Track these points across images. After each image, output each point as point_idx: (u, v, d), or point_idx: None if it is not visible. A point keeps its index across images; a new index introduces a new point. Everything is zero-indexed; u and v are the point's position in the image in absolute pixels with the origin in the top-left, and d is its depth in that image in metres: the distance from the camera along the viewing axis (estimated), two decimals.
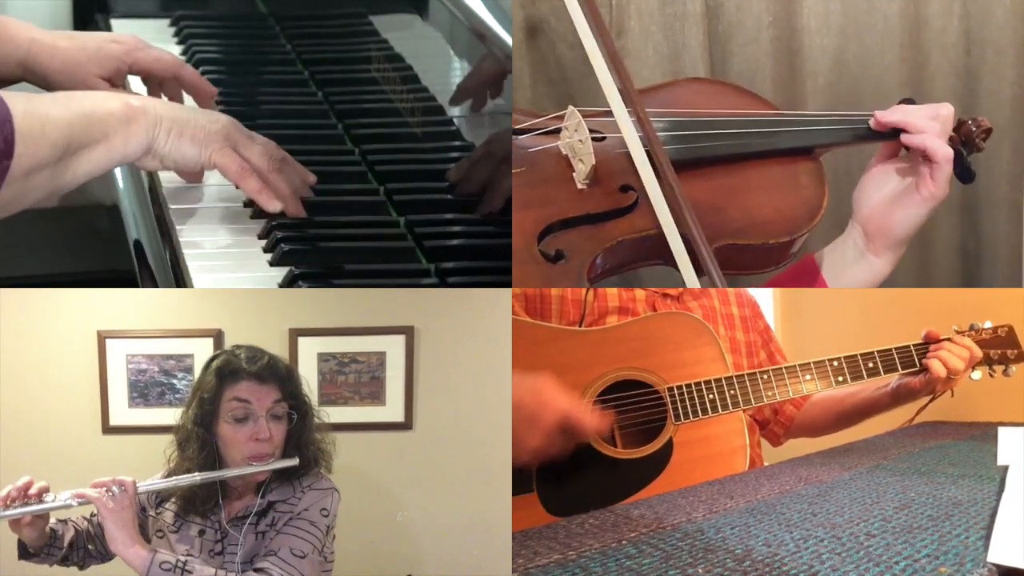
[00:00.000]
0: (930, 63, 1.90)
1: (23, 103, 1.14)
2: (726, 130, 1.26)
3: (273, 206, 1.30)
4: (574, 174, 1.21)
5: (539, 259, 1.14)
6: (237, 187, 1.30)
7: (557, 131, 1.24)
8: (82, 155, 1.19)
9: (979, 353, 1.49)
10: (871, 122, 1.28)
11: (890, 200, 1.26)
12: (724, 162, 1.25)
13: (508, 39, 1.29)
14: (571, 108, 1.21)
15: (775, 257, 1.25)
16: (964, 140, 1.30)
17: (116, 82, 1.44)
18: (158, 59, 1.46)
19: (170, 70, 1.47)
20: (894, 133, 1.28)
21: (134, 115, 1.23)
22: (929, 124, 1.23)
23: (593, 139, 1.19)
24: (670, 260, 1.18)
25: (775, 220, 1.23)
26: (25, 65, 1.39)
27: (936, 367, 1.46)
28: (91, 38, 1.45)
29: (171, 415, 1.47)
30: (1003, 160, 1.94)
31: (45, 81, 1.40)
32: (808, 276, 1.32)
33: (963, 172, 1.28)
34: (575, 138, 1.20)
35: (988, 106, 1.91)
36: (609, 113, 1.22)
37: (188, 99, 1.51)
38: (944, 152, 1.22)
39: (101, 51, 1.42)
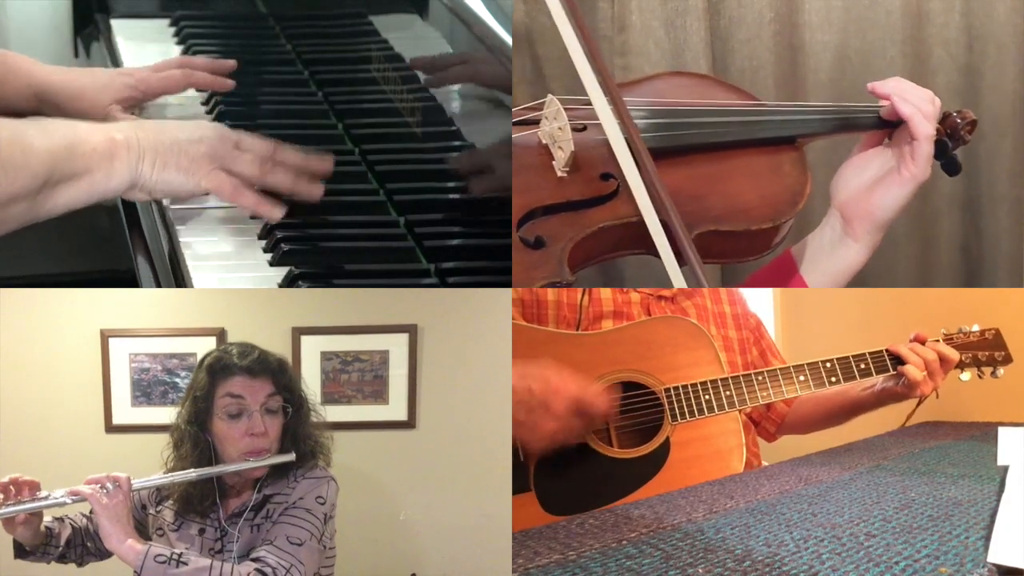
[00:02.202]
0: (932, 59, 1.90)
1: (7, 131, 1.14)
2: (705, 119, 1.27)
3: (275, 214, 1.30)
4: (554, 162, 1.21)
5: (519, 245, 1.14)
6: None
7: (538, 121, 1.24)
8: (63, 188, 1.19)
9: (932, 357, 1.50)
10: (881, 111, 1.28)
11: (870, 184, 1.26)
12: (705, 151, 1.26)
13: (508, 39, 1.29)
14: (550, 97, 1.22)
15: (759, 244, 1.25)
16: (949, 132, 1.31)
17: (131, 109, 1.47)
18: (167, 79, 1.48)
19: (181, 86, 1.49)
20: (877, 123, 1.28)
21: (116, 151, 1.22)
22: (920, 98, 1.23)
23: (573, 129, 1.19)
24: (652, 249, 1.18)
25: (758, 206, 1.22)
26: (41, 96, 1.41)
27: (907, 370, 1.49)
28: (102, 71, 1.48)
29: (174, 414, 1.47)
30: (1004, 156, 1.94)
31: (60, 111, 1.41)
32: (784, 270, 1.33)
33: (948, 164, 1.28)
34: (554, 126, 1.20)
35: (990, 102, 1.91)
36: (589, 103, 1.22)
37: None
38: (926, 130, 1.22)
39: (114, 82, 1.45)
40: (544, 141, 1.22)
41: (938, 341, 1.54)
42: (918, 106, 1.22)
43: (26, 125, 1.19)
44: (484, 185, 1.33)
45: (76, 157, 1.19)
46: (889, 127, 1.28)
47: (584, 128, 1.22)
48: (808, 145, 1.32)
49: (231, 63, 1.56)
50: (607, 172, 1.19)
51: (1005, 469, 1.20)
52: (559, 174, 1.20)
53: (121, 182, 1.24)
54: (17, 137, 1.15)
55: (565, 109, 1.19)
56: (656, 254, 1.17)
